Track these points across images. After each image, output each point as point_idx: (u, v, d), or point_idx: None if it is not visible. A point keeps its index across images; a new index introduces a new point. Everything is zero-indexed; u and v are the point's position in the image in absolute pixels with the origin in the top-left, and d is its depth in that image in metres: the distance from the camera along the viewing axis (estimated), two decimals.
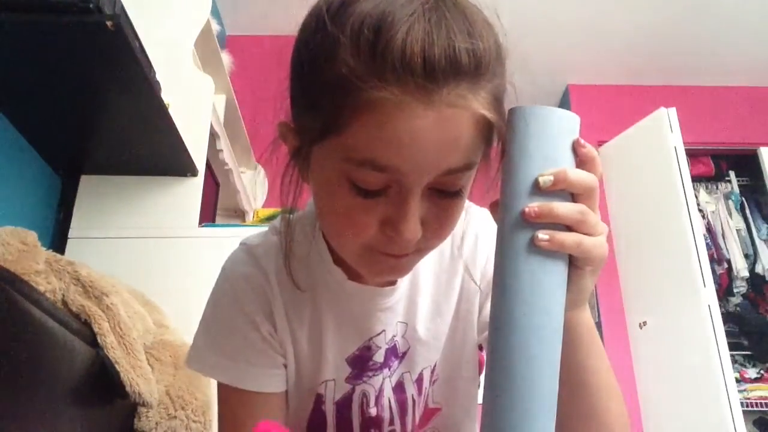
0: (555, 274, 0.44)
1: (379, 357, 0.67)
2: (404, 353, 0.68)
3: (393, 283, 0.65)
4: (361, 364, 0.67)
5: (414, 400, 0.70)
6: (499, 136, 0.48)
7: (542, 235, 0.43)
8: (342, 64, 0.44)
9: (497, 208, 0.46)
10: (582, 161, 0.45)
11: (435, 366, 0.70)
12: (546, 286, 0.44)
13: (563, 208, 0.43)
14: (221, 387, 0.66)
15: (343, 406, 0.68)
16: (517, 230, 0.44)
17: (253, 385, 0.64)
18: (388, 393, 0.69)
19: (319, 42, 0.47)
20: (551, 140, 0.45)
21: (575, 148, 0.45)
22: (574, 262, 0.46)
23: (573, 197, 0.45)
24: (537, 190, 0.44)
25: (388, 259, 0.52)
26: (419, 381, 0.70)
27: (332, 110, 0.46)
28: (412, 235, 0.48)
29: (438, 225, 0.51)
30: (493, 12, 0.49)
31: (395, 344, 0.68)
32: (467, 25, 0.45)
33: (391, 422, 0.70)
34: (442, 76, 0.43)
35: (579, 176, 0.44)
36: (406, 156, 0.45)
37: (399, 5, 0.44)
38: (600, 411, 0.54)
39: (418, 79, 0.43)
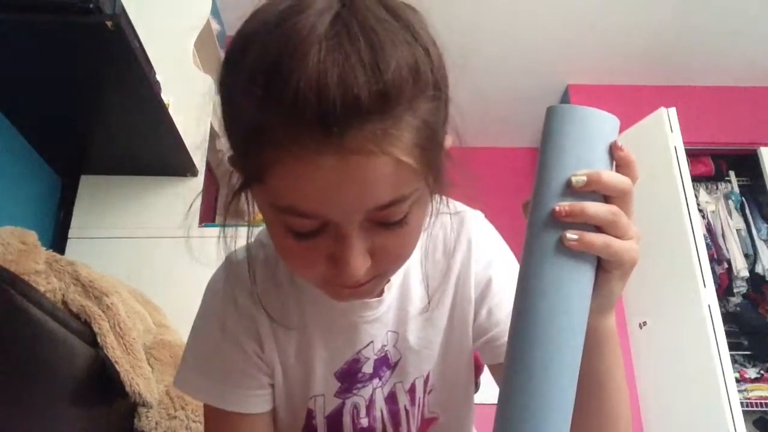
0: (581, 275, 0.44)
1: (368, 368, 0.66)
2: (396, 363, 0.67)
3: (380, 294, 0.63)
4: (350, 377, 0.66)
5: (407, 411, 0.69)
6: (425, 173, 0.44)
7: (571, 234, 0.42)
8: (241, 119, 0.42)
9: (527, 208, 0.45)
10: (619, 164, 0.45)
11: (428, 376, 0.69)
12: (571, 287, 0.43)
13: (595, 207, 0.42)
14: (206, 406, 0.65)
15: (334, 419, 0.68)
16: (546, 229, 0.43)
17: (237, 406, 0.64)
18: (380, 404, 0.68)
19: (223, 91, 0.45)
20: (588, 141, 0.44)
21: (612, 150, 0.44)
22: (603, 265, 0.45)
23: (606, 200, 0.44)
24: (569, 190, 0.43)
25: (347, 289, 0.50)
26: (412, 391, 0.68)
27: (246, 161, 0.44)
28: (356, 271, 0.46)
29: (388, 253, 0.48)
30: (425, 18, 0.45)
31: (386, 354, 0.66)
32: (372, 54, 0.39)
33: None
34: (341, 123, 0.38)
35: (613, 179, 0.43)
36: (324, 204, 0.42)
37: (295, 44, 0.39)
38: (612, 417, 0.54)
39: (314, 132, 0.39)
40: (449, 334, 0.67)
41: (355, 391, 0.67)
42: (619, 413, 0.54)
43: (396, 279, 0.64)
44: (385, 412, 0.68)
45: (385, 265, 0.49)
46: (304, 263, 0.48)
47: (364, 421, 0.67)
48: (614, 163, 0.45)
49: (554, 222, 0.43)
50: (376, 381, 0.67)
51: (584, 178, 0.42)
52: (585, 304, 0.44)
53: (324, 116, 0.38)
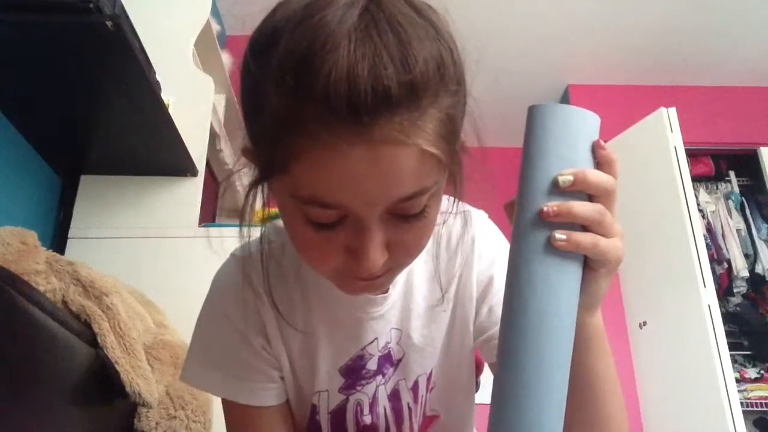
0: (569, 275, 0.44)
1: (372, 365, 0.66)
2: (399, 360, 0.68)
3: (385, 291, 0.64)
4: (354, 373, 0.67)
5: (410, 408, 0.69)
6: (448, 166, 0.46)
7: (559, 234, 0.43)
8: (269, 109, 0.43)
9: (512, 209, 0.46)
10: (600, 163, 0.45)
11: (431, 373, 0.69)
12: (560, 287, 0.43)
13: (582, 207, 0.43)
14: (223, 399, 0.66)
15: (338, 415, 0.68)
16: (533, 229, 0.43)
17: (250, 399, 0.64)
18: (383, 401, 0.68)
19: (248, 84, 0.46)
20: (571, 140, 0.44)
21: (594, 149, 0.45)
22: (589, 264, 0.45)
23: (590, 199, 0.44)
24: (555, 189, 0.43)
25: (362, 281, 0.51)
26: (415, 388, 0.69)
27: (271, 151, 0.44)
28: (374, 264, 0.46)
29: (405, 246, 0.49)
30: (446, 14, 0.47)
31: (389, 351, 0.67)
32: (400, 47, 0.41)
33: (387, 430, 0.69)
34: (372, 113, 0.40)
35: (598, 177, 0.44)
36: (349, 194, 0.43)
37: (325, 36, 0.40)
38: (604, 416, 0.54)
39: (345, 122, 0.40)
40: (451, 331, 0.68)
41: (359, 388, 0.67)
42: (611, 412, 0.54)
43: (400, 276, 0.65)
44: (388, 409, 0.68)
45: (400, 258, 0.50)
46: (320, 255, 0.49)
47: (367, 418, 0.68)
48: (596, 161, 0.45)
49: (541, 222, 0.43)
50: (379, 378, 0.67)
51: (570, 177, 0.43)
52: (574, 302, 0.44)
53: (355, 106, 0.39)
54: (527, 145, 0.45)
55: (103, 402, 1.00)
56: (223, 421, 0.68)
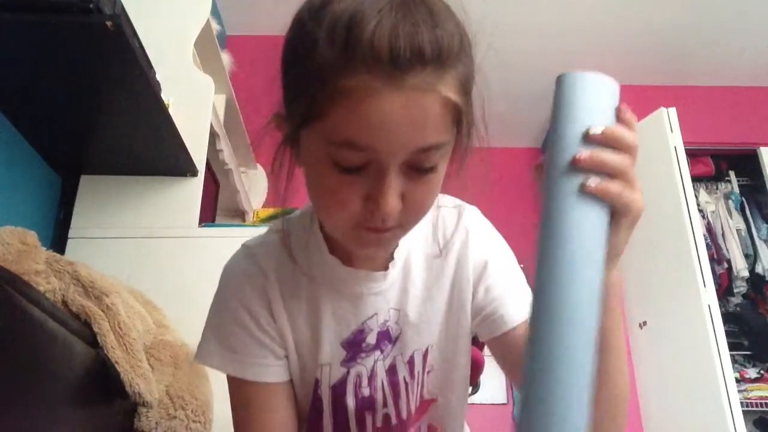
0: (598, 222, 0.47)
1: (371, 339, 0.71)
2: (397, 337, 0.73)
3: (385, 267, 0.70)
4: (355, 346, 0.71)
5: (406, 383, 0.73)
6: (466, 120, 0.54)
7: (592, 180, 0.46)
8: (319, 56, 0.50)
9: (540, 170, 0.50)
10: (624, 123, 0.49)
11: (427, 351, 0.73)
12: (590, 231, 0.47)
13: (612, 156, 0.47)
14: (230, 379, 0.70)
15: (338, 389, 0.72)
16: (565, 177, 0.47)
17: (256, 375, 0.69)
18: (381, 374, 0.73)
19: (301, 38, 0.53)
20: (598, 103, 0.49)
21: (618, 113, 0.49)
22: (613, 215, 0.49)
23: None
24: (586, 142, 0.47)
25: (373, 234, 0.57)
26: (411, 363, 0.73)
27: (313, 98, 0.51)
28: (391, 208, 0.53)
29: (416, 199, 0.55)
30: (461, 8, 0.55)
31: (388, 329, 0.72)
32: (431, 18, 0.50)
33: (385, 404, 0.73)
34: (408, 63, 0.48)
35: (625, 133, 0.48)
36: (379, 136, 0.50)
37: (369, 3, 0.49)
38: (611, 370, 0.57)
39: (385, 67, 0.48)
40: (449, 313, 0.73)
41: (359, 360, 0.72)
42: (617, 366, 0.58)
43: (399, 259, 0.71)
44: (385, 382, 0.73)
45: (409, 213, 0.56)
46: (340, 200, 0.55)
47: (366, 391, 0.73)
48: (618, 122, 0.49)
49: (573, 170, 0.47)
50: (377, 353, 0.72)
51: (601, 129, 0.47)
52: (603, 246, 0.47)
53: (396, 57, 0.48)
54: (557, 110, 0.49)
55: (103, 402, 1.00)
56: (223, 421, 0.69)
